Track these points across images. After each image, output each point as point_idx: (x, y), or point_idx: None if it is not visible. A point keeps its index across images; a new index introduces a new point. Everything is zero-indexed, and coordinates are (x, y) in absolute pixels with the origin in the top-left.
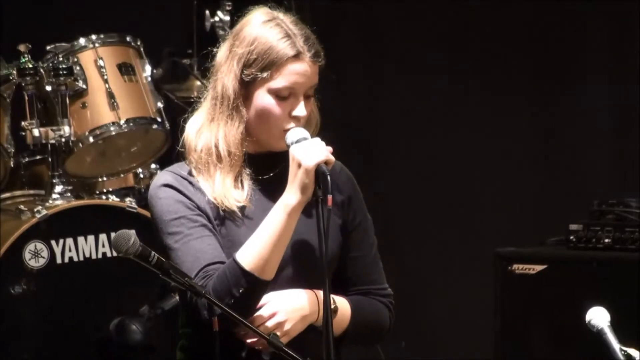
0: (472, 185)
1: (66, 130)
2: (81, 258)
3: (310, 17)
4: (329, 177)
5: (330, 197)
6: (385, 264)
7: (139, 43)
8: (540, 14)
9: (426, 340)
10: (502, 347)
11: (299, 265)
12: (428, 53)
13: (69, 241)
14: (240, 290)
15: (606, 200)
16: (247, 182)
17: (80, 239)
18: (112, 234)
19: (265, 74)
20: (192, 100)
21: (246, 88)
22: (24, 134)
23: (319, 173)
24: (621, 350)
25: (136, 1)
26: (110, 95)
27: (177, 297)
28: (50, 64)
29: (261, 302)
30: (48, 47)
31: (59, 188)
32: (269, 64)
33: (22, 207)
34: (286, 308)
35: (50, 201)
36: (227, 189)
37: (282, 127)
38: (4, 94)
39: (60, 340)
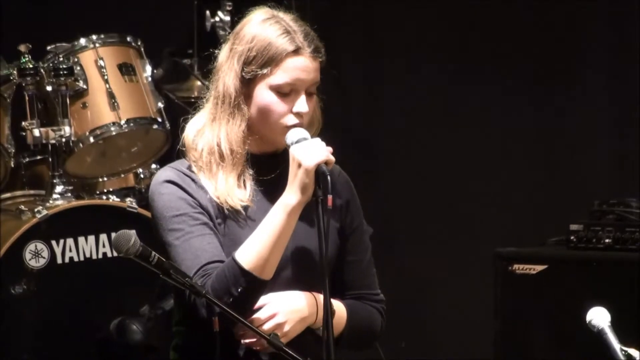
0: (472, 185)
1: (66, 130)
2: (81, 258)
3: (310, 17)
4: (329, 177)
5: (330, 197)
6: (385, 264)
7: (139, 43)
8: (540, 14)
9: (426, 340)
10: (502, 347)
11: (298, 266)
12: (428, 53)
13: (70, 241)
14: (239, 290)
15: (607, 200)
16: (249, 182)
17: (81, 239)
18: (113, 234)
19: (265, 70)
20: (193, 100)
21: (247, 86)
22: (24, 134)
23: (319, 173)
24: (621, 350)
25: (136, 1)
26: (111, 96)
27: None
28: (51, 64)
29: (261, 303)
30: (48, 47)
31: (59, 188)
32: (269, 59)
33: (22, 207)
34: (286, 309)
35: (51, 201)
36: (231, 188)
37: (284, 124)
38: (4, 94)
39: (60, 340)
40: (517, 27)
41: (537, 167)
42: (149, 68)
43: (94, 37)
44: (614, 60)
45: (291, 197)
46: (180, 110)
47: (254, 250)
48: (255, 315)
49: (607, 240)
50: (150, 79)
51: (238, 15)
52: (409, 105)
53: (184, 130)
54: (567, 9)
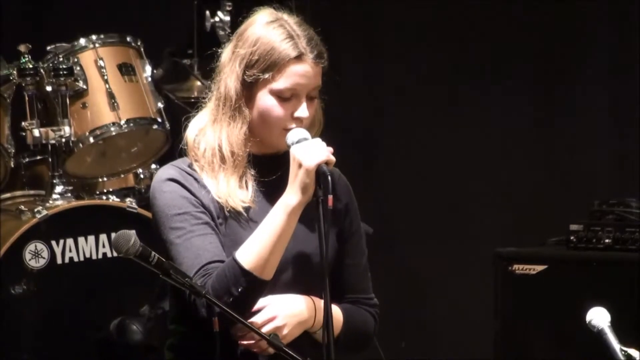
0: (472, 185)
1: (66, 130)
2: (81, 258)
3: (310, 17)
4: (329, 178)
5: (330, 197)
6: (385, 264)
7: (139, 43)
8: (540, 14)
9: (426, 340)
10: (502, 347)
11: (297, 268)
12: (428, 53)
13: (69, 241)
14: (239, 290)
15: (606, 200)
16: (251, 183)
17: (81, 239)
18: (113, 235)
19: (267, 75)
20: (193, 100)
21: (249, 89)
22: (24, 134)
23: (319, 173)
24: (621, 350)
25: (136, 1)
26: (111, 96)
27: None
28: (51, 64)
29: (260, 305)
30: (48, 47)
31: (59, 188)
32: (271, 65)
33: (22, 207)
34: (285, 313)
35: (51, 201)
36: (232, 189)
37: (285, 128)
38: (4, 94)
39: (60, 341)
40: (517, 27)
41: (537, 167)
42: (148, 68)
43: (94, 37)
44: (614, 60)
45: (292, 197)
46: (180, 111)
47: (254, 250)
48: (254, 318)
49: (607, 241)
50: (150, 79)
51: (238, 15)
52: (409, 105)
53: (186, 129)
54: (567, 9)
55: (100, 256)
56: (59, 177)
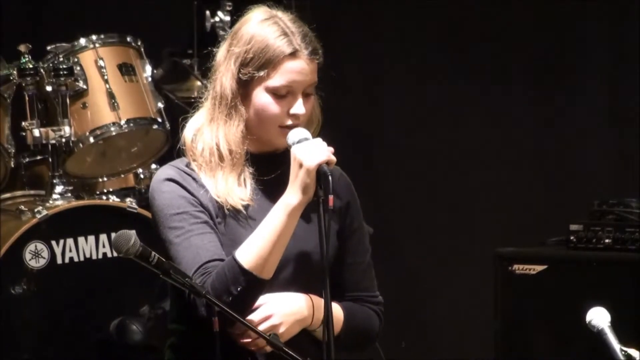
0: (472, 185)
1: (66, 130)
2: (81, 258)
3: (310, 16)
4: (330, 178)
5: (331, 197)
6: (385, 264)
7: (139, 43)
8: (540, 14)
9: (426, 340)
10: (502, 347)
11: (297, 267)
12: (428, 53)
13: (70, 241)
14: (239, 289)
15: (606, 200)
16: (249, 182)
17: (81, 239)
18: (113, 235)
19: (262, 73)
20: (193, 100)
21: (244, 87)
22: (24, 134)
23: (320, 173)
24: (621, 350)
25: (136, 1)
26: (111, 96)
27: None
28: (51, 64)
29: (257, 304)
30: (48, 47)
31: (59, 188)
32: (266, 62)
33: (22, 207)
34: (281, 311)
35: (51, 201)
36: (231, 188)
37: (281, 125)
38: (4, 94)
39: (60, 341)
40: (517, 27)
41: (537, 167)
42: (148, 68)
43: (94, 37)
44: (614, 60)
45: (292, 197)
46: (180, 111)
47: (254, 250)
48: (250, 317)
49: (607, 241)
50: (150, 79)
51: (238, 15)
52: (409, 105)
53: (183, 129)
54: (567, 9)
55: (100, 256)
56: (59, 177)
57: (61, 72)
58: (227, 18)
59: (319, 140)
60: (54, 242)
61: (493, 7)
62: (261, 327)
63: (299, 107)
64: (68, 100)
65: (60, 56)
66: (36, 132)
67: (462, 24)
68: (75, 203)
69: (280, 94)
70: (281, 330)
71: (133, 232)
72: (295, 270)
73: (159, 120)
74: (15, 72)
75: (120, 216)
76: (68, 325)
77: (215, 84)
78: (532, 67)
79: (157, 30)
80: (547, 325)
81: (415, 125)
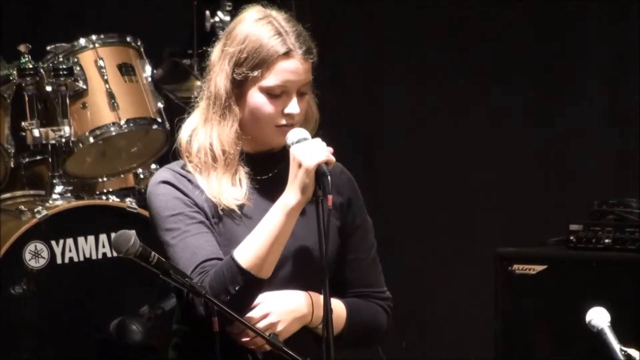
0: (473, 185)
1: (66, 130)
2: (81, 258)
3: (310, 16)
4: (329, 178)
5: (330, 197)
6: (385, 264)
7: (139, 43)
8: (540, 14)
9: (426, 340)
10: (503, 347)
11: (296, 265)
12: (428, 53)
13: (69, 241)
14: (237, 288)
15: (606, 200)
16: (245, 181)
17: (81, 240)
18: (113, 235)
19: (256, 73)
20: (192, 100)
21: (239, 87)
22: (24, 134)
23: (319, 173)
24: (621, 350)
25: (136, 1)
26: (111, 96)
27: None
28: (51, 64)
29: (255, 302)
30: (48, 48)
31: (59, 188)
32: (260, 62)
33: (22, 207)
34: (279, 309)
35: (51, 201)
36: (224, 188)
37: (276, 125)
38: (4, 94)
39: (60, 341)
40: (517, 27)
41: (537, 167)
42: (148, 68)
43: (94, 37)
44: (614, 60)
45: (291, 197)
46: (180, 111)
47: (252, 249)
48: (248, 315)
49: (606, 241)
50: (150, 79)
51: (237, 15)
52: (409, 105)
53: (179, 130)
54: (567, 9)
55: (100, 256)
56: (58, 177)
57: (61, 72)
58: (227, 18)
59: (318, 140)
60: (53, 242)
61: (493, 7)
62: (259, 326)
63: (293, 107)
64: (68, 101)
65: (60, 56)
66: (36, 132)
67: (462, 24)
68: (75, 203)
69: (274, 94)
70: (279, 328)
71: (133, 232)
72: (294, 269)
73: (159, 120)
74: (15, 72)
75: (120, 216)
76: (68, 325)
77: (210, 84)
78: (532, 67)
79: (157, 30)
80: (547, 325)
81: (415, 125)
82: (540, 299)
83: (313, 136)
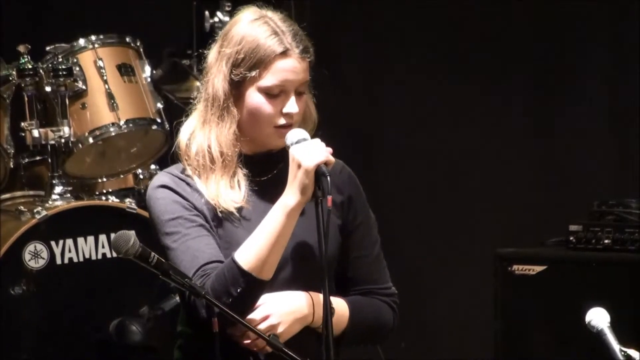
0: (472, 185)
1: (66, 131)
2: (81, 259)
3: (310, 16)
4: (328, 178)
5: (330, 197)
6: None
7: (138, 44)
8: (539, 14)
9: (426, 340)
10: (502, 347)
11: (297, 266)
12: (428, 53)
13: (69, 242)
14: (238, 290)
15: (606, 201)
16: (243, 183)
17: (80, 240)
18: (112, 235)
19: (254, 73)
20: (192, 101)
21: (237, 88)
22: (23, 134)
23: (318, 174)
24: (621, 351)
25: (136, 1)
26: (110, 96)
27: (177, 298)
28: (50, 65)
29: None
30: (48, 48)
31: (58, 189)
32: (257, 62)
33: (22, 207)
34: (280, 311)
35: (50, 202)
36: (222, 190)
37: (274, 125)
38: (3, 95)
39: (60, 341)
40: (517, 27)
41: (537, 167)
42: (148, 68)
43: (93, 37)
44: (614, 60)
45: (291, 197)
46: (179, 111)
47: (253, 251)
48: (249, 317)
49: (606, 241)
50: (149, 79)
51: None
52: (409, 105)
53: (178, 133)
54: (567, 9)
55: (99, 257)
56: (58, 178)
57: (60, 73)
58: (227, 18)
59: (318, 140)
60: (53, 243)
61: (493, 7)
62: (260, 327)
63: (292, 106)
64: (67, 101)
65: (60, 57)
66: (35, 133)
67: (462, 24)
68: (74, 203)
69: (272, 94)
70: (280, 329)
71: (132, 232)
72: (295, 269)
73: (158, 120)
74: (14, 72)
75: (120, 217)
76: (68, 325)
77: (207, 85)
78: (532, 67)
79: (157, 30)
80: (547, 325)
81: (415, 125)
82: (540, 299)
83: (312, 136)
